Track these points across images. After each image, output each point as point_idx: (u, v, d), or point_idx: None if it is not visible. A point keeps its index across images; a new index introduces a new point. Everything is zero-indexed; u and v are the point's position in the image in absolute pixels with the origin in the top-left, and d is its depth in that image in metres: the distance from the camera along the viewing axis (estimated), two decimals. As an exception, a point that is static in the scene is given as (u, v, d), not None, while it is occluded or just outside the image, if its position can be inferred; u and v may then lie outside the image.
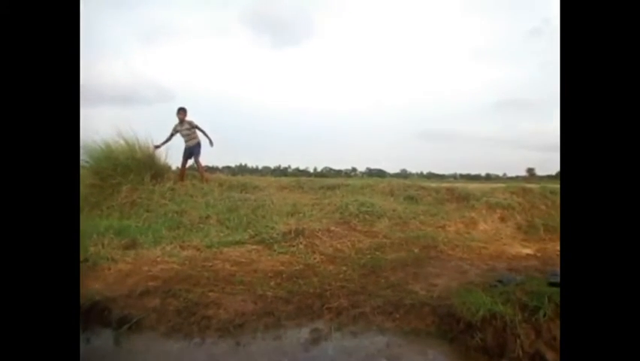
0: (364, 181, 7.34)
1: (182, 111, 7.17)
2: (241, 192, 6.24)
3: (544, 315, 2.29)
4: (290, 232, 4.25)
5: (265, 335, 2.42)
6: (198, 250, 3.96)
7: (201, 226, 4.83)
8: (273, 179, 8.79)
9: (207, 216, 5.06)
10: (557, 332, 2.29)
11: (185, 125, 7.13)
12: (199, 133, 7.05)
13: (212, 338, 2.41)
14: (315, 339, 2.40)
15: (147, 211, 5.32)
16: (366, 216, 4.88)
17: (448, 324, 2.49)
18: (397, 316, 2.64)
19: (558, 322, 2.32)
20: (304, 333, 2.46)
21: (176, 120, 6.95)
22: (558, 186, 7.25)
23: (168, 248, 3.92)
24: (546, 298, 2.37)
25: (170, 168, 6.87)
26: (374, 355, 2.24)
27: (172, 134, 7.13)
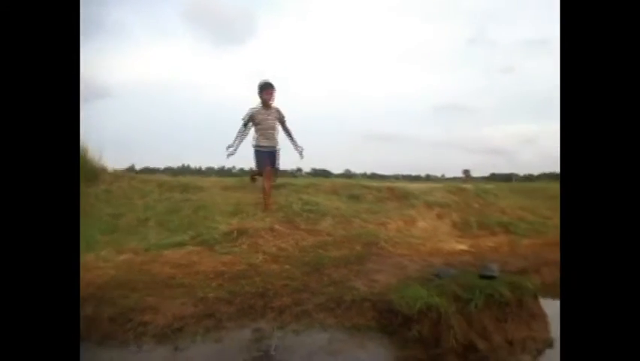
0: (308, 180, 7.37)
1: (269, 89, 4.83)
2: (182, 193, 6.03)
3: (476, 306, 2.43)
4: (232, 232, 4.18)
5: (205, 338, 2.36)
6: (136, 253, 3.78)
7: (139, 228, 4.63)
8: (216, 179, 8.60)
9: (146, 219, 4.86)
10: (487, 322, 2.45)
11: (272, 113, 4.92)
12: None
13: (149, 344, 2.32)
14: (258, 339, 2.38)
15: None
16: (310, 215, 4.90)
17: (388, 318, 2.56)
18: (339, 312, 2.68)
19: (488, 312, 2.48)
20: (246, 334, 2.44)
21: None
22: (491, 186, 7.69)
23: (103, 253, 3.72)
24: (477, 291, 2.52)
25: (105, 169, 6.49)
26: (316, 352, 2.26)
27: (247, 124, 4.90)
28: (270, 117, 4.93)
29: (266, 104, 4.88)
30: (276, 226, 4.48)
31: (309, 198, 5.45)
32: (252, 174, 5.88)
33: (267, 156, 5.01)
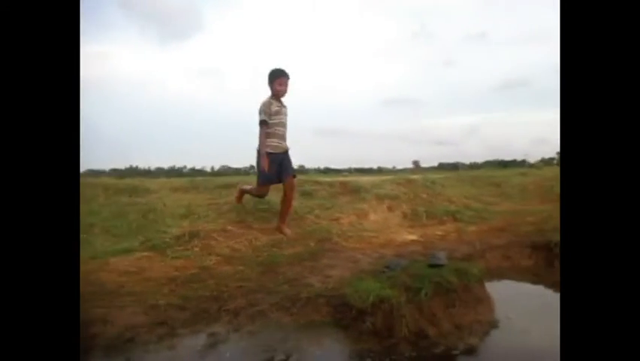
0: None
1: (282, 77, 4.06)
2: (130, 196, 5.82)
3: (425, 295, 2.53)
4: (184, 235, 4.09)
5: (158, 347, 2.30)
6: (82, 262, 3.61)
7: (84, 236, 4.41)
8: (165, 180, 8.35)
9: (91, 225, 4.64)
10: (437, 310, 2.55)
11: (284, 108, 4.17)
12: None
13: (99, 358, 2.23)
14: (212, 344, 2.35)
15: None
16: (263, 214, 4.88)
17: (342, 313, 2.62)
18: (294, 310, 2.70)
19: (437, 300, 2.58)
20: (201, 339, 2.40)
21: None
22: (438, 176, 7.97)
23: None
24: (426, 280, 2.62)
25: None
26: (272, 351, 2.27)
27: (265, 122, 3.98)
28: (283, 112, 4.13)
29: (279, 96, 4.09)
30: (229, 227, 4.43)
31: (262, 197, 5.42)
32: (251, 189, 4.65)
33: (279, 160, 4.12)
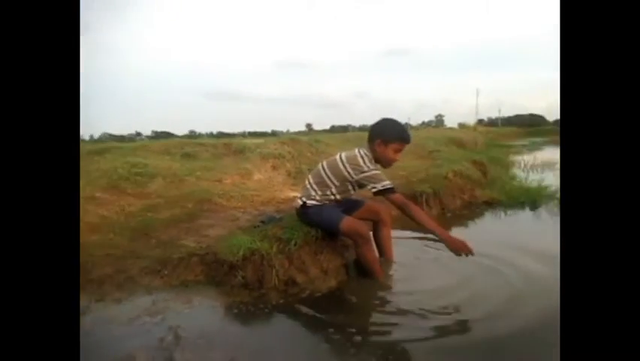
0: (138, 143, 6.86)
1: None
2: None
3: (295, 244, 2.62)
4: (43, 206, 3.68)
5: (3, 325, 2.08)
6: None
7: None
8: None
9: None
10: (306, 258, 2.66)
11: None
12: None
13: None
14: (70, 315, 2.19)
15: None
16: (138, 178, 4.59)
17: (215, 269, 2.60)
18: (165, 272, 2.62)
19: (307, 248, 2.69)
20: (57, 312, 2.21)
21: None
22: (324, 136, 8.20)
23: None
24: (297, 230, 2.71)
25: None
26: (138, 316, 2.18)
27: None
28: None
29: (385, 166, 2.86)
30: (98, 194, 4.10)
31: (137, 161, 5.09)
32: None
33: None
